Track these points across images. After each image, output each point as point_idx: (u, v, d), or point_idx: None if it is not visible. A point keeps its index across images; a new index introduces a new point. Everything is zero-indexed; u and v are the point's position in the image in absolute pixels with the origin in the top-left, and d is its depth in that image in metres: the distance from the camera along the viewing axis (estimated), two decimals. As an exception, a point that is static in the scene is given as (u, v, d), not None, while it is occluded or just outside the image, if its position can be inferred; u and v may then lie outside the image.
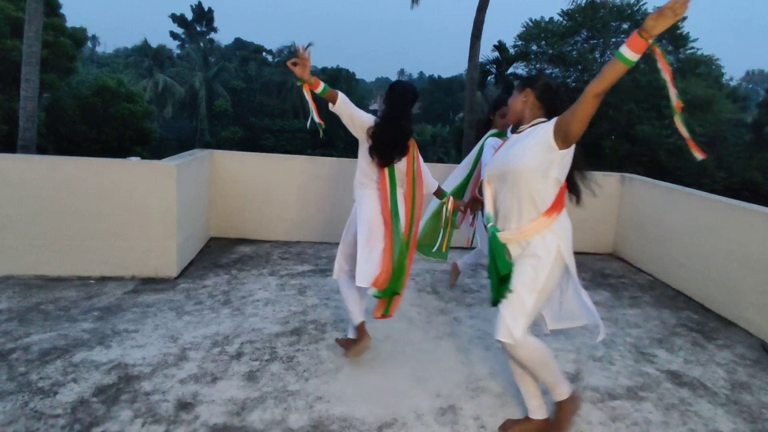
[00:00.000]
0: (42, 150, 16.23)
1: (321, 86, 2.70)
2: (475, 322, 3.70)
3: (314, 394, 2.64)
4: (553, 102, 2.19)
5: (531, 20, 22.07)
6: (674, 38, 20.11)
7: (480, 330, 3.57)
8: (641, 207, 5.44)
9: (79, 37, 19.51)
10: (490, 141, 3.63)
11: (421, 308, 3.91)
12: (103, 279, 4.05)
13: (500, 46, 26.41)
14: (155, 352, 2.95)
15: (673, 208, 4.91)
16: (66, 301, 3.60)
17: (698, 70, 20.29)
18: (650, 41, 1.76)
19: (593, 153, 18.65)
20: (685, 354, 3.43)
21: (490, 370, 3.02)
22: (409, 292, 4.22)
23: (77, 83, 22.46)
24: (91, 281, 3.99)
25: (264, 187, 5.41)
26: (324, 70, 42.11)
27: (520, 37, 22.35)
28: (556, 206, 2.14)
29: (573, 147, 2.07)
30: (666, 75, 1.92)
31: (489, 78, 27.60)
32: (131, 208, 4.03)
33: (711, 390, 2.97)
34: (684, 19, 19.81)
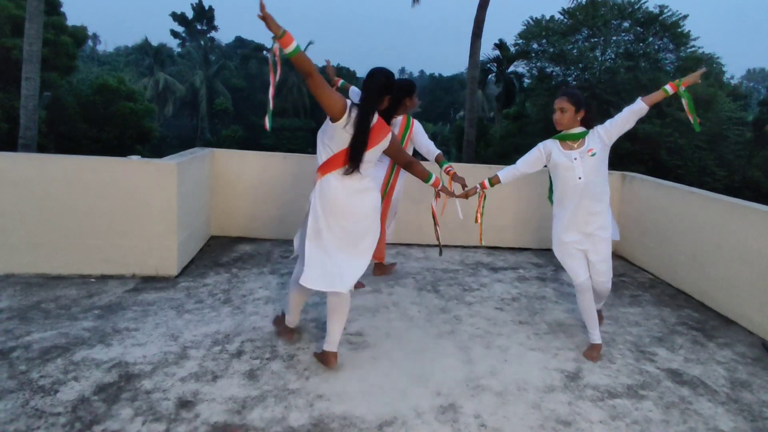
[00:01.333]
0: (43, 148, 16.25)
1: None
2: (476, 321, 3.70)
3: (315, 393, 2.64)
4: (366, 90, 2.70)
5: (532, 18, 22.03)
6: (675, 37, 20.06)
7: (480, 328, 3.57)
8: (642, 205, 5.44)
9: (79, 35, 19.53)
10: (540, 144, 3.27)
11: (422, 306, 3.91)
12: (104, 277, 4.05)
13: (501, 45, 26.40)
14: (156, 351, 2.96)
15: (673, 207, 4.91)
16: (67, 299, 3.61)
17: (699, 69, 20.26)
18: (275, 36, 2.29)
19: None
20: (686, 352, 3.43)
21: (491, 368, 3.02)
22: (409, 290, 4.22)
23: (78, 82, 22.47)
24: (92, 279, 4.00)
25: (265, 185, 5.41)
26: (323, 69, 42.08)
27: (520, 35, 22.30)
28: (321, 168, 2.67)
29: (345, 125, 2.53)
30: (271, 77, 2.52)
31: (490, 77, 27.59)
32: (132, 206, 4.04)
33: (711, 388, 2.97)
34: (685, 17, 19.77)
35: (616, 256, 5.76)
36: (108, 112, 19.67)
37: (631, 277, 5.05)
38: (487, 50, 26.64)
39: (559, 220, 3.22)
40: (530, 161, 3.26)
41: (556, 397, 2.77)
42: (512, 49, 24.47)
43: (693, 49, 20.55)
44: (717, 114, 18.78)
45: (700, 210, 4.56)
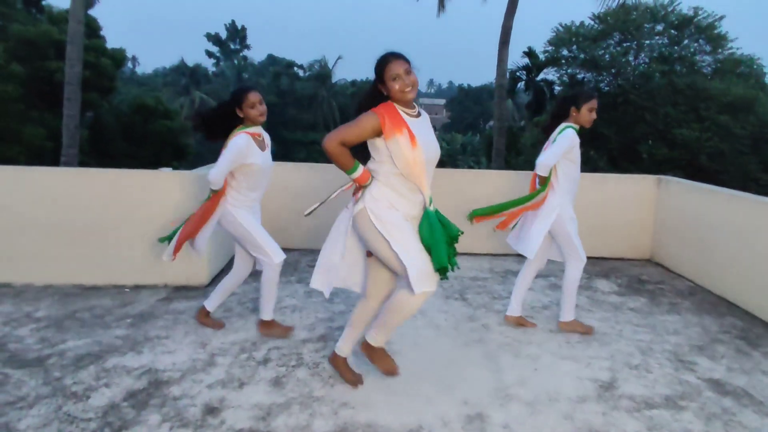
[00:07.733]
0: (84, 165, 16.89)
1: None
2: (505, 329, 3.62)
3: (339, 400, 2.62)
4: None
5: (561, 25, 21.76)
6: (711, 39, 19.46)
7: (509, 337, 3.49)
8: (679, 210, 5.24)
9: (118, 57, 20.29)
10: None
11: (449, 315, 3.85)
12: (137, 287, 4.14)
13: (530, 52, 26.15)
14: (185, 358, 3.00)
15: (713, 211, 4.71)
16: (101, 308, 3.70)
17: (738, 71, 19.55)
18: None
19: (630, 158, 18.15)
20: (728, 362, 3.26)
21: (520, 377, 2.94)
22: (436, 299, 4.17)
23: (118, 102, 23.35)
24: (126, 290, 4.10)
25: (292, 195, 5.47)
26: (354, 82, 42.55)
27: (550, 42, 22.01)
28: None
29: None
30: None
31: (519, 84, 27.31)
32: (164, 217, 4.12)
33: (757, 399, 2.81)
34: (721, 18, 19.20)
35: (653, 263, 5.56)
36: (146, 130, 20.34)
37: (669, 284, 4.85)
38: (516, 58, 26.49)
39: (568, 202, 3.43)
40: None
41: (590, 407, 2.66)
42: (541, 56, 24.15)
43: (731, 50, 19.89)
44: (759, 117, 18.05)
45: (741, 213, 4.36)
